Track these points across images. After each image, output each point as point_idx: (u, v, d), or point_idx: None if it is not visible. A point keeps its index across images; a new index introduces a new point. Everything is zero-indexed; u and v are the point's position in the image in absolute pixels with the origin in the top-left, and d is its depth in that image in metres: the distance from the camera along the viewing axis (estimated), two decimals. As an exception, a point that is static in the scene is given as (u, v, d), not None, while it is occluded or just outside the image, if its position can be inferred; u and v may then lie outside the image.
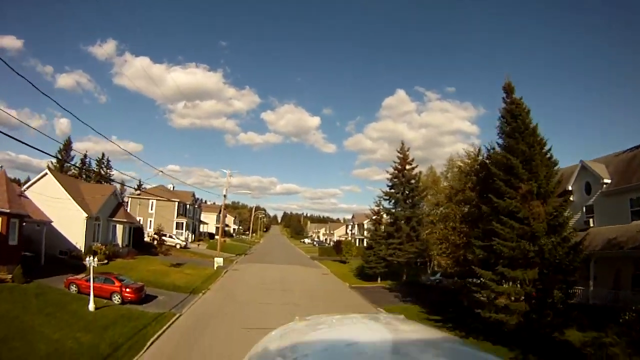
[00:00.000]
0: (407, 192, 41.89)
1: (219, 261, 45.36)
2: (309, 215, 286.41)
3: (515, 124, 21.40)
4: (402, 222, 40.58)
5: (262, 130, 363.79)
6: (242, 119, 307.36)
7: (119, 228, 47.57)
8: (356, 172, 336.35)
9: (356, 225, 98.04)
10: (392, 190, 42.73)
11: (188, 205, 76.91)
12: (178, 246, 62.51)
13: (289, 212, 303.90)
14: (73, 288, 25.58)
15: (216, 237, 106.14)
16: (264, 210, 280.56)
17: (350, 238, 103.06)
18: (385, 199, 43.15)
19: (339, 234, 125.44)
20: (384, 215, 43.97)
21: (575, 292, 22.07)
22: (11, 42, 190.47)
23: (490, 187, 21.84)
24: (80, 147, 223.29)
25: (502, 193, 20.39)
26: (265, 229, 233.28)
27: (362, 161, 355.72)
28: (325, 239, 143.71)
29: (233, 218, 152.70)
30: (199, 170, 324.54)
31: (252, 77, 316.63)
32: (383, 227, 43.40)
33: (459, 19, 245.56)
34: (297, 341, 2.14)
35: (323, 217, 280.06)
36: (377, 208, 44.11)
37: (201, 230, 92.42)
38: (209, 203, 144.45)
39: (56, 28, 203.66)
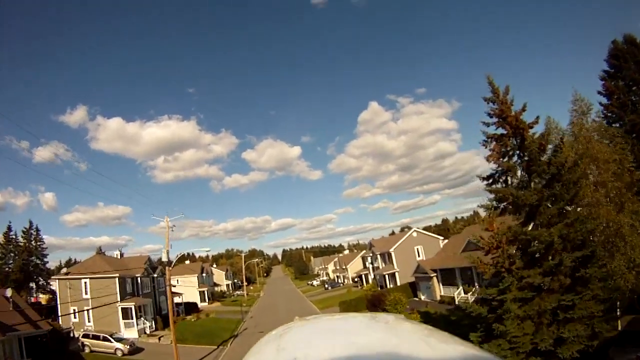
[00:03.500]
0: (545, 180, 18.42)
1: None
2: (309, 247, 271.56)
3: None
4: (558, 248, 16.84)
5: (245, 171, 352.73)
6: (224, 162, 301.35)
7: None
8: (346, 192, 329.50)
9: (378, 256, 73.98)
10: (502, 187, 19.44)
11: (140, 278, 52.33)
12: (119, 353, 38.23)
13: (288, 249, 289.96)
14: None
15: (201, 305, 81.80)
16: (262, 252, 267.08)
17: (372, 274, 79.36)
18: (495, 206, 19.59)
19: (354, 269, 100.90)
20: (507, 248, 19.34)
21: None
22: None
23: None
24: (69, 218, 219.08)
25: None
26: (265, 274, 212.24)
27: (349, 181, 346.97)
28: (337, 277, 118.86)
29: (224, 272, 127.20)
30: (191, 222, 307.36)
31: (225, 119, 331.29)
32: (506, 265, 18.70)
33: (413, 22, 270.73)
34: (297, 341, 2.08)
35: (324, 246, 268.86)
36: (493, 231, 19.79)
37: (177, 301, 67.68)
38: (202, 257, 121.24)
39: (24, 101, 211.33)
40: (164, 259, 34.34)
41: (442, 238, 69.29)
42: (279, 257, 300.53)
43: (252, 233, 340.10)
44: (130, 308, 46.89)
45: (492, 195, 19.57)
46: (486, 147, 19.63)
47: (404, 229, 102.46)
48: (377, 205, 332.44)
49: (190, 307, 70.09)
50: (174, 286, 70.70)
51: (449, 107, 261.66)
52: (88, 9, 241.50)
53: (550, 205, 17.96)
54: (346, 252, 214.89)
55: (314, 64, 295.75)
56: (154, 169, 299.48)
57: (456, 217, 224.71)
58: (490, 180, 19.85)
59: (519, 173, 19.30)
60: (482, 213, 21.99)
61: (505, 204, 19.20)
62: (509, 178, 19.97)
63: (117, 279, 46.51)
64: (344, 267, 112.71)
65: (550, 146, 19.27)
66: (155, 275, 57.37)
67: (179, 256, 38.73)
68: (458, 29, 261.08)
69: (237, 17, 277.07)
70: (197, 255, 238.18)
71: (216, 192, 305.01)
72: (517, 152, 19.10)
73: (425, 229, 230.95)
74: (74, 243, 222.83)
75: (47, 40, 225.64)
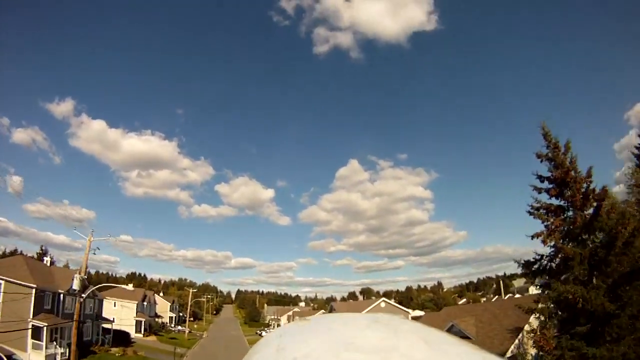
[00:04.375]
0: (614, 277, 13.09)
1: None
2: (265, 292, 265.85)
3: None
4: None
5: (216, 203, 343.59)
6: (196, 190, 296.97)
7: None
8: (312, 244, 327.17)
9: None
10: (549, 279, 14.03)
11: (64, 295, 44.58)
12: (7, 384, 30.65)
13: (243, 290, 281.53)
14: None
15: (134, 336, 72.82)
16: (216, 289, 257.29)
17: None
18: (554, 313, 14.02)
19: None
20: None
21: None
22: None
23: None
24: (31, 208, 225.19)
25: None
26: (215, 312, 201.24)
27: (317, 233, 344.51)
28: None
29: (170, 303, 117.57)
30: (152, 242, 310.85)
31: (206, 148, 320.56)
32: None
33: (408, 87, 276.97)
34: (297, 341, 1.84)
35: (281, 293, 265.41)
36: (548, 348, 13.78)
37: (105, 327, 59.08)
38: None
39: (18, 79, 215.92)
40: (75, 286, 27.60)
41: (411, 312, 63.96)
42: (233, 295, 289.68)
43: (211, 266, 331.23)
44: (43, 328, 39.15)
45: (537, 291, 14.20)
46: (543, 221, 14.37)
47: (372, 296, 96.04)
48: (340, 262, 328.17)
49: (121, 337, 61.45)
50: (106, 317, 62.59)
51: (427, 177, 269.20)
52: (98, 14, 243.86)
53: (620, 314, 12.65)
54: (302, 304, 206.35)
55: (304, 112, 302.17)
56: (126, 180, 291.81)
57: (419, 286, 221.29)
58: (534, 268, 14.45)
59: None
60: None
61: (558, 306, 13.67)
62: (554, 266, 14.60)
63: (34, 291, 39.00)
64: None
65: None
66: (84, 296, 49.37)
67: (83, 291, 31.75)
68: (449, 102, 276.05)
69: (238, 50, 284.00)
70: (148, 278, 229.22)
71: (183, 217, 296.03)
72: (585, 233, 13.87)
73: (386, 294, 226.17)
74: (31, 234, 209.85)
75: (53, 26, 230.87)
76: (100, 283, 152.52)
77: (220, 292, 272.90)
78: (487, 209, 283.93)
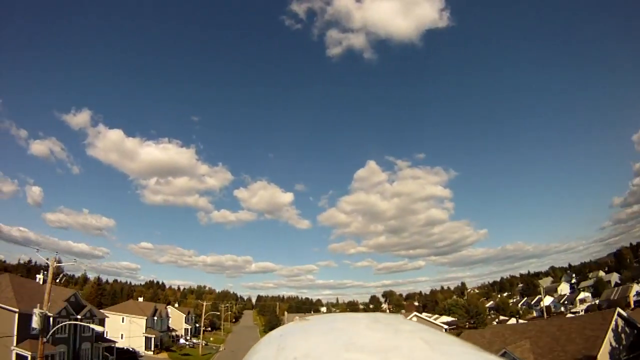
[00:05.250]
0: None
1: None
2: (286, 297, 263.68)
3: None
4: None
5: (235, 208, 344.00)
6: (215, 196, 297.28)
7: None
8: (332, 246, 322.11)
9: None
10: None
11: (55, 319, 39.72)
12: None
13: (263, 295, 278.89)
14: None
15: (144, 353, 68.48)
16: (235, 295, 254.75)
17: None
18: None
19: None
20: None
21: None
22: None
23: None
24: (52, 218, 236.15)
25: None
26: (234, 319, 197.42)
27: (337, 235, 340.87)
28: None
29: (185, 314, 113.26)
30: (172, 249, 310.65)
31: (224, 153, 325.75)
32: None
33: (423, 86, 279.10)
34: (297, 340, 2.07)
35: (301, 298, 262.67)
36: None
37: (107, 346, 54.56)
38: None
39: (34, 92, 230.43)
40: (35, 324, 22.79)
41: (446, 327, 58.44)
42: (253, 300, 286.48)
43: (231, 271, 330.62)
44: (26, 357, 34.64)
45: None
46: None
47: (402, 309, 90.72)
48: (360, 264, 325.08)
49: (127, 357, 57.19)
50: (108, 338, 58.13)
51: (446, 175, 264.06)
52: (112, 24, 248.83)
53: None
54: (323, 309, 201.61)
55: (319, 114, 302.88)
56: (145, 188, 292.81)
57: (442, 287, 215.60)
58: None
59: None
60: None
61: None
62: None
63: (16, 315, 34.55)
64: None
65: None
66: (79, 317, 44.52)
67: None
68: (465, 100, 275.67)
69: (252, 56, 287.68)
70: (167, 286, 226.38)
71: (202, 223, 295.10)
72: None
73: (408, 296, 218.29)
74: (51, 243, 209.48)
75: (67, 38, 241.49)
76: (115, 292, 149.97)
77: (241, 297, 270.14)
78: (507, 207, 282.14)
